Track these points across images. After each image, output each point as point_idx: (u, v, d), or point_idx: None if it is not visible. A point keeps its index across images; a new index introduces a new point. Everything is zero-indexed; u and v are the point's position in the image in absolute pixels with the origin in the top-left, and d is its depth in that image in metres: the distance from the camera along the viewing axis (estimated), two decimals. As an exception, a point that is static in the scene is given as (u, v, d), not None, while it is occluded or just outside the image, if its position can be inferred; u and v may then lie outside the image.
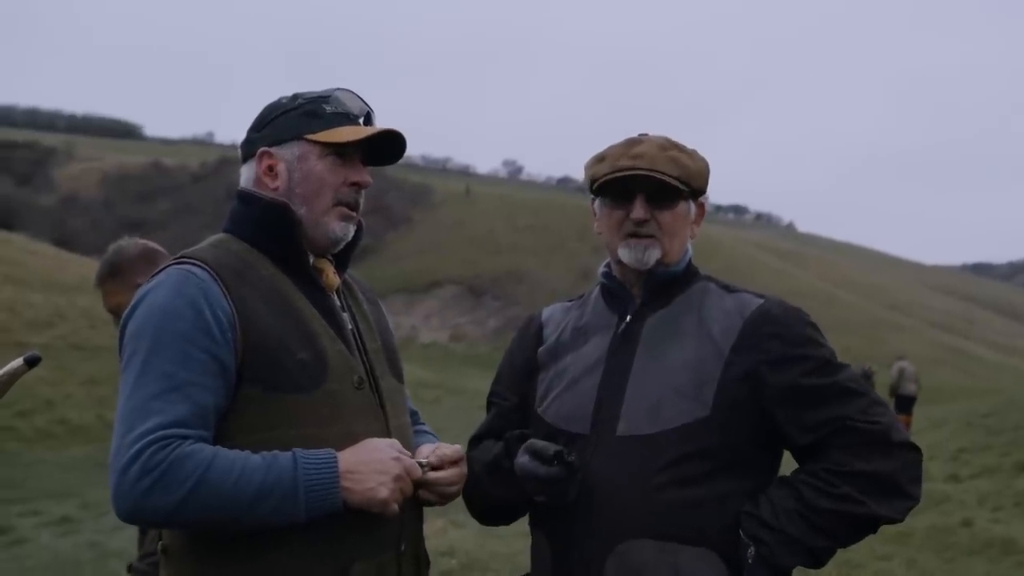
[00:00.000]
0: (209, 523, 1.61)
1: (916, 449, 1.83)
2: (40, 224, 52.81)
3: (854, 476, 1.77)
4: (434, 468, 1.81)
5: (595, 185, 1.95)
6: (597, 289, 2.07)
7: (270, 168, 1.82)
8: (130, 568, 2.66)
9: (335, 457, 1.66)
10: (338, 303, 1.87)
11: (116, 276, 2.78)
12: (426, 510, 1.91)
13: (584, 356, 1.97)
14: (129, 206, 73.00)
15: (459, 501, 1.97)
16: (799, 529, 1.77)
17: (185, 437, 1.59)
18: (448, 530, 7.78)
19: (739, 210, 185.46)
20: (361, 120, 1.85)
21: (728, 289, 1.97)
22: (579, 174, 2.26)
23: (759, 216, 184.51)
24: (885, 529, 1.93)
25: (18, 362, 1.98)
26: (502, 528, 2.20)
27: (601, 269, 2.05)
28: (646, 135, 1.99)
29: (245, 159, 1.87)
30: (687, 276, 1.98)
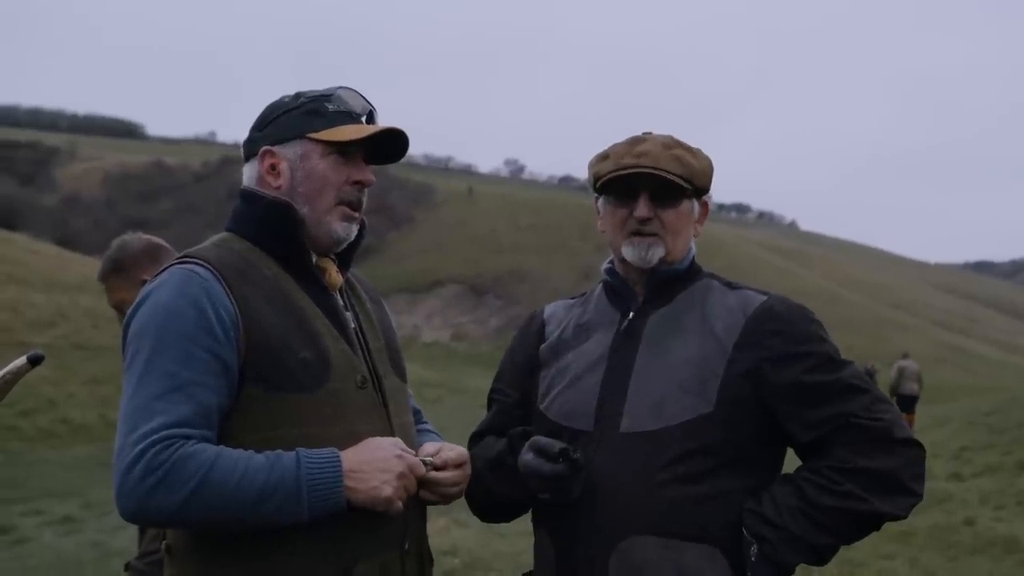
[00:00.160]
0: (213, 522, 1.61)
1: (919, 446, 1.83)
2: (42, 224, 52.92)
3: (857, 473, 1.76)
4: (437, 469, 1.81)
5: (599, 183, 1.95)
6: (600, 286, 2.07)
7: (273, 167, 1.81)
8: (127, 566, 2.62)
9: (338, 456, 1.65)
10: (341, 302, 1.86)
11: (120, 272, 2.75)
12: (429, 509, 1.91)
13: (587, 353, 1.96)
14: (131, 206, 73.11)
15: (461, 500, 1.97)
16: (802, 527, 1.76)
17: (188, 437, 1.58)
18: (451, 529, 7.78)
19: (742, 209, 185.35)
20: (364, 119, 1.84)
21: (731, 286, 1.96)
22: (581, 173, 2.25)
23: (761, 215, 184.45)
24: (888, 528, 1.93)
25: (21, 361, 1.99)
26: (505, 527, 2.20)
27: (604, 266, 2.04)
28: (650, 133, 1.98)
29: (247, 158, 1.86)
30: (690, 274, 1.98)
